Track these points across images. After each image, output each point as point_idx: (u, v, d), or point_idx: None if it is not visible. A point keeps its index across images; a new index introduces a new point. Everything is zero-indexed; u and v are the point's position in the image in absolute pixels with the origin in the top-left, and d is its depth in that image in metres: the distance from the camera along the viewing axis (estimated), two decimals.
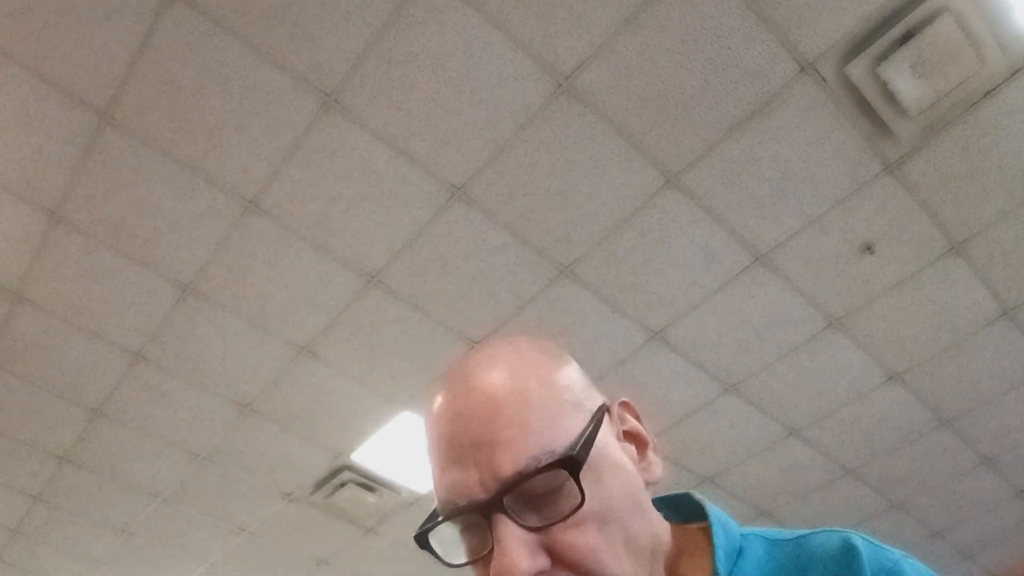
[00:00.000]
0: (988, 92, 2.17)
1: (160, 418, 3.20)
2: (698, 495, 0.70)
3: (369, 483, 3.55)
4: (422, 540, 0.61)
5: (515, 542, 0.54)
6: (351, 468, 3.47)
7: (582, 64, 2.08)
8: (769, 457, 3.45)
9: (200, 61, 2.06)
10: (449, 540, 0.61)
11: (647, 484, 0.64)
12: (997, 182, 2.40)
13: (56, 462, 3.44)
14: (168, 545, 4.02)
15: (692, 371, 3.01)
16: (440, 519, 0.60)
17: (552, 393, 0.60)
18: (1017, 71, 2.13)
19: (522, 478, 0.55)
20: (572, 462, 0.56)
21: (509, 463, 0.56)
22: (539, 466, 0.55)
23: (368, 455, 3.40)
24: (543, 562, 0.55)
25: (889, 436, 3.36)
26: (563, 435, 0.57)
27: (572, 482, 0.55)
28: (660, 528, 0.65)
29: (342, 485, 3.54)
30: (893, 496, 3.73)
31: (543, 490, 0.56)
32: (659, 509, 0.69)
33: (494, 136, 2.24)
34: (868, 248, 2.57)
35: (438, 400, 0.62)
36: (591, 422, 0.60)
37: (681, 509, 0.71)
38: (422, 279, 2.64)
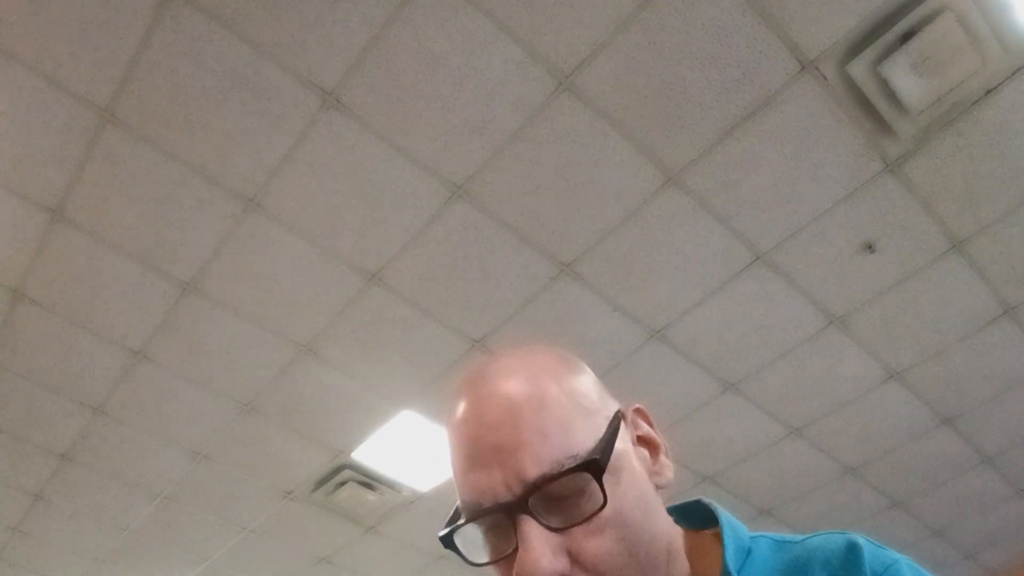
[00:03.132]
0: (989, 91, 2.17)
1: (161, 416, 3.20)
2: (708, 500, 0.73)
3: (370, 482, 3.56)
4: (448, 540, 0.63)
5: (539, 541, 0.57)
6: (352, 467, 3.47)
7: (583, 62, 2.07)
8: (769, 456, 3.45)
9: (201, 59, 2.06)
10: (471, 540, 0.63)
11: (658, 488, 0.67)
12: (998, 181, 2.40)
13: (57, 460, 3.44)
14: (169, 543, 4.02)
15: (692, 370, 3.01)
16: (465, 519, 0.62)
17: (569, 399, 0.62)
18: (1018, 70, 2.13)
19: (545, 480, 0.57)
20: (596, 466, 0.58)
21: (533, 466, 0.58)
22: (563, 469, 0.58)
23: (368, 454, 3.40)
24: (564, 563, 0.57)
25: (889, 435, 3.36)
26: (581, 440, 0.60)
27: (594, 485, 0.58)
28: (672, 531, 0.67)
29: (343, 483, 3.54)
30: (894, 495, 3.73)
31: (565, 493, 0.58)
32: (671, 516, 0.71)
33: (495, 135, 2.24)
34: (869, 247, 2.57)
35: (461, 405, 0.64)
36: (609, 428, 0.63)
37: (692, 516, 0.73)
38: (423, 278, 2.64)
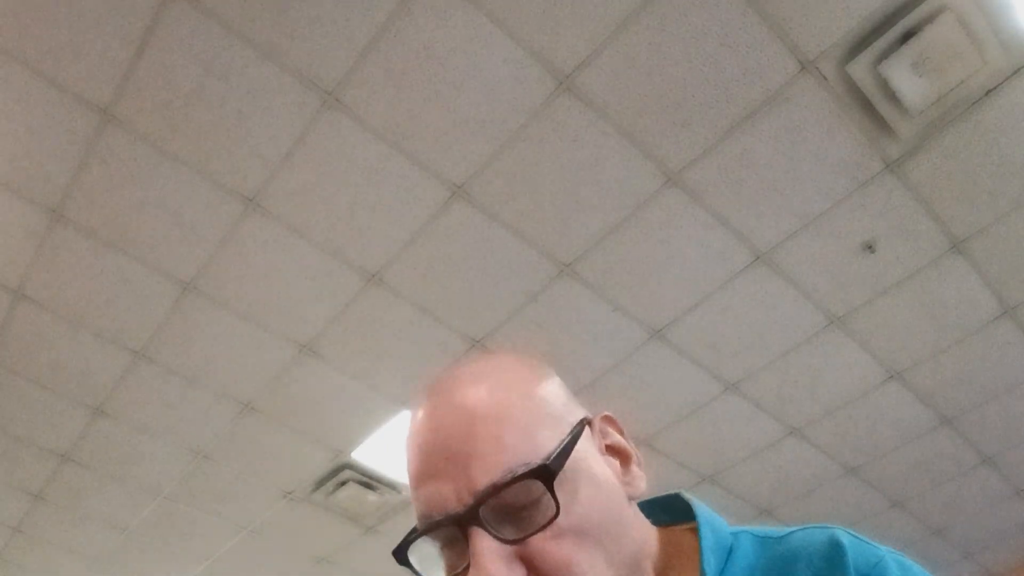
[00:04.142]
0: (989, 91, 2.17)
1: (161, 416, 3.20)
2: (687, 495, 0.70)
3: (370, 481, 3.56)
4: (400, 555, 0.61)
5: (491, 554, 0.54)
6: (352, 466, 3.47)
7: (583, 63, 2.07)
8: (769, 456, 3.45)
9: (201, 59, 2.06)
10: (428, 556, 0.60)
11: (630, 498, 0.64)
12: (998, 180, 2.40)
13: (57, 460, 3.44)
14: (168, 543, 4.02)
15: (693, 370, 3.01)
16: (417, 534, 0.59)
17: (530, 406, 0.60)
18: (1018, 70, 2.13)
19: (496, 489, 0.55)
20: (546, 472, 0.56)
21: (484, 475, 0.56)
22: (512, 477, 0.55)
23: (369, 453, 3.40)
24: (519, 573, 0.55)
25: (889, 435, 3.36)
26: (540, 448, 0.58)
27: (547, 494, 0.55)
28: (645, 538, 0.65)
29: (343, 483, 3.54)
30: (893, 495, 3.73)
31: (519, 502, 0.56)
32: (650, 511, 0.69)
33: (495, 135, 2.24)
34: (869, 247, 2.57)
35: (418, 414, 0.62)
36: (569, 435, 0.60)
37: (671, 510, 0.71)
38: (423, 277, 2.64)
